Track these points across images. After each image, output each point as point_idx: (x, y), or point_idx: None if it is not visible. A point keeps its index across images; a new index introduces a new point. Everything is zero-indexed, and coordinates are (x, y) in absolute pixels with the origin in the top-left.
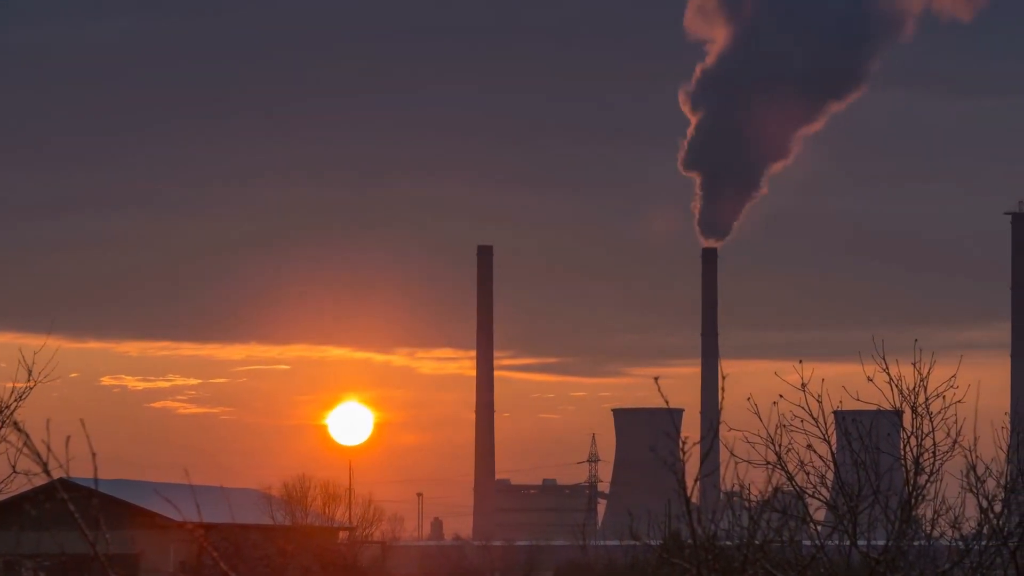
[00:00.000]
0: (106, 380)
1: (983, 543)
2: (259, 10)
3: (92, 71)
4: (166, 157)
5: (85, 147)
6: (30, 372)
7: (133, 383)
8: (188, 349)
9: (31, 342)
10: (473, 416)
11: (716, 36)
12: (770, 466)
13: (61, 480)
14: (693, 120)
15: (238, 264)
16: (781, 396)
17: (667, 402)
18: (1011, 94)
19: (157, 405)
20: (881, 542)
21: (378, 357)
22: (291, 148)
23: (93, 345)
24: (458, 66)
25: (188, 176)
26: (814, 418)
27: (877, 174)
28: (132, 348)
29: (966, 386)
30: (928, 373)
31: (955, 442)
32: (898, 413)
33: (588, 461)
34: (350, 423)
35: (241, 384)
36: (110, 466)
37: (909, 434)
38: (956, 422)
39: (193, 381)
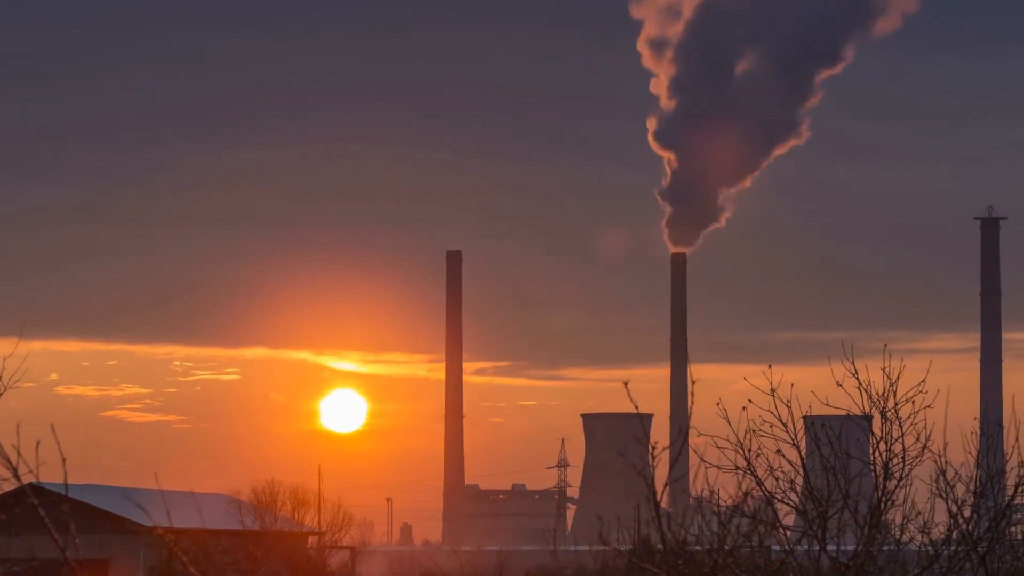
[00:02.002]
0: (61, 390)
1: (952, 548)
2: (219, 17)
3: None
4: (120, 160)
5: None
6: None
7: (87, 391)
8: (142, 352)
9: None
10: (443, 421)
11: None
12: (739, 471)
13: (31, 485)
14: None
15: (212, 270)
16: (751, 401)
17: (636, 407)
18: (974, 102)
19: (110, 414)
20: (851, 547)
21: (345, 361)
22: (254, 151)
23: (36, 346)
24: (427, 68)
25: (143, 181)
26: (783, 423)
27: (847, 177)
28: (79, 348)
29: (935, 391)
30: (898, 378)
31: (924, 447)
32: (867, 418)
33: (558, 466)
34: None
35: (217, 387)
36: (73, 472)
37: (879, 439)
38: (926, 427)
39: (144, 390)
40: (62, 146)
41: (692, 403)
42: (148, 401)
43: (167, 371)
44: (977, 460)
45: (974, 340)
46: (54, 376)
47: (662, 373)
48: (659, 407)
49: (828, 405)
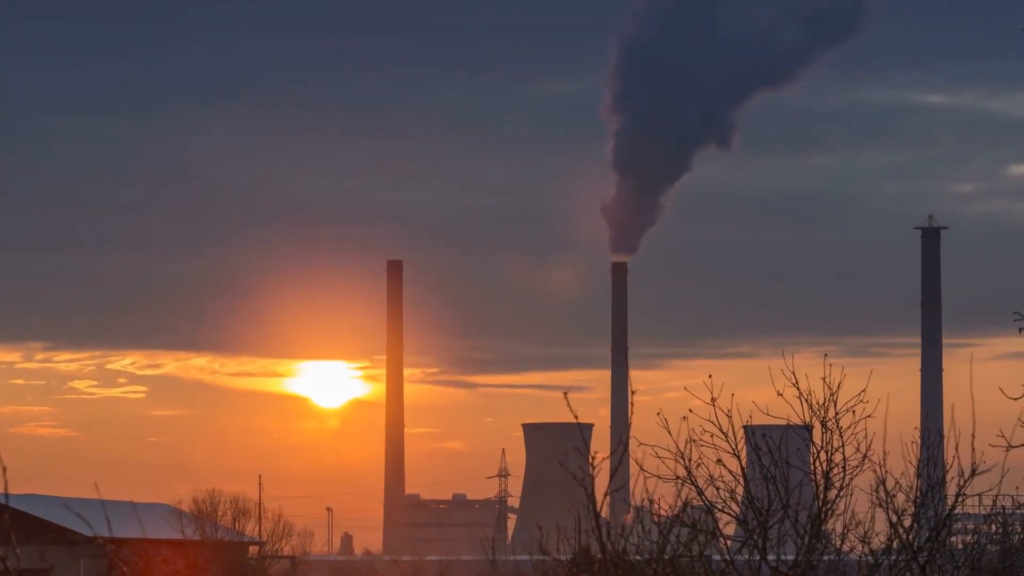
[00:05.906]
0: None
1: (893, 558)
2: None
3: None
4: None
5: None
6: None
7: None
8: (47, 365)
9: None
10: (383, 430)
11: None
12: (680, 481)
13: None
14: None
15: (144, 272)
16: (691, 411)
17: (576, 417)
18: (916, 114)
19: (21, 430)
20: (791, 557)
21: (284, 370)
22: (202, 151)
23: None
24: (375, 75)
25: (73, 174)
26: (724, 433)
27: (788, 184)
28: None
29: (876, 401)
30: (838, 387)
31: (865, 457)
32: (808, 428)
33: (498, 476)
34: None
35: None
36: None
37: (819, 449)
38: (866, 437)
39: (47, 409)
40: None
41: (632, 412)
42: (60, 417)
43: (70, 388)
44: (917, 470)
45: (915, 350)
46: None
47: (603, 383)
48: (600, 416)
49: (769, 415)
